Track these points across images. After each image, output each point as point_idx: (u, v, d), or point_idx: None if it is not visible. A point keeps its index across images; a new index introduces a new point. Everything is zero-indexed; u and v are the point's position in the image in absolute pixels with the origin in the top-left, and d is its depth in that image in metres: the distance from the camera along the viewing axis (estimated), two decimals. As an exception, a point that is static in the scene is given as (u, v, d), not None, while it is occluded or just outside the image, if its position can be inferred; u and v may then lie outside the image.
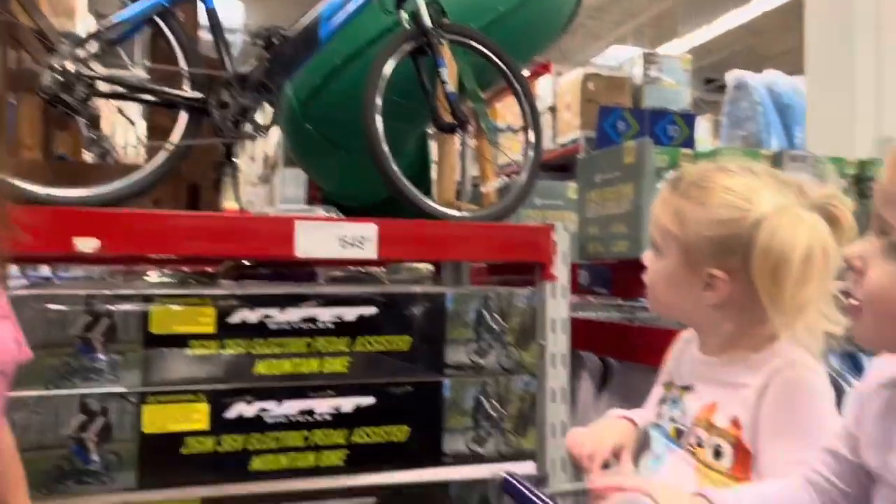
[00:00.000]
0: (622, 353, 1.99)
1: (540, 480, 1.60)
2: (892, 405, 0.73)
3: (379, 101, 1.69)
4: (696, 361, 1.09)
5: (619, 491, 0.88)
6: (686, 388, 1.08)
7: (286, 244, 1.48)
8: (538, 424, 1.64)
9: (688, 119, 4.82)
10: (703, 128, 6.13)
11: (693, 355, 1.10)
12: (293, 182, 4.10)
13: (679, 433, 1.04)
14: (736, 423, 0.97)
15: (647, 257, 1.09)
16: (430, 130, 2.49)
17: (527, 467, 1.61)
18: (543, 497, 0.83)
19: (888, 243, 0.66)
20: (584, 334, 1.98)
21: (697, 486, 0.97)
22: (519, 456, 1.61)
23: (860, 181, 1.85)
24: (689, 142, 4.72)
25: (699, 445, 1.00)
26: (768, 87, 4.19)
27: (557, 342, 1.67)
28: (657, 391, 1.18)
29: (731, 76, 4.33)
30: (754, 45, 11.09)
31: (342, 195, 2.73)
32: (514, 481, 0.88)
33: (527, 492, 0.84)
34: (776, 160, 1.78)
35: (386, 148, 1.68)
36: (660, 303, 1.09)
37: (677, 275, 1.03)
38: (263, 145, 5.92)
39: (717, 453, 0.98)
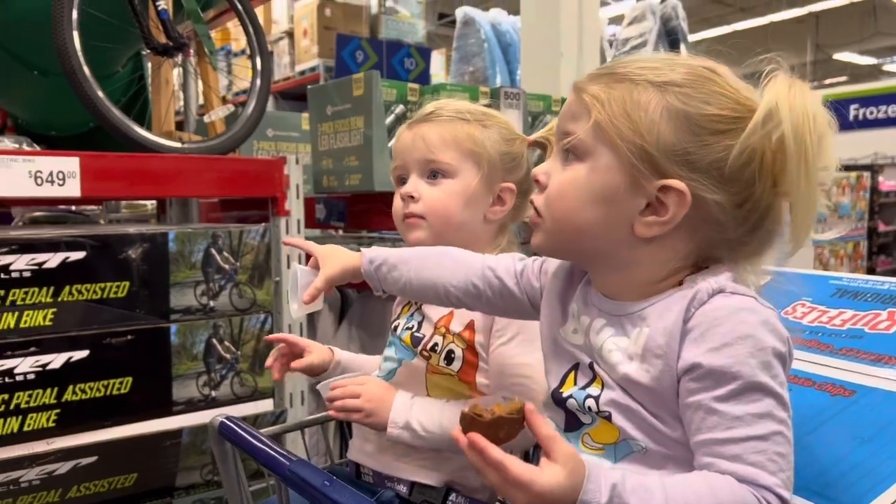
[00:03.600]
0: (359, 284, 2.03)
1: (278, 417, 1.59)
2: (560, 292, 0.85)
3: (74, 15, 1.47)
4: None
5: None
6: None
7: (-40, 182, 1.25)
8: (275, 361, 1.62)
9: (423, 53, 4.96)
10: (437, 62, 6.35)
11: None
12: (-21, 106, 3.47)
13: (415, 341, 1.09)
14: (471, 327, 1.05)
15: (419, 186, 1.10)
16: (146, 52, 2.24)
17: (265, 405, 1.60)
18: (261, 436, 0.82)
19: (562, 151, 0.76)
20: (320, 268, 1.97)
21: (427, 392, 1.05)
22: (256, 395, 1.59)
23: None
24: (424, 75, 4.87)
25: (433, 351, 1.06)
26: (493, 24, 4.43)
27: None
28: (395, 312, 1.22)
29: (461, 12, 4.51)
30: (483, -17, 11.63)
31: (40, 123, 2.37)
32: (231, 423, 0.86)
33: (244, 433, 0.82)
34: (493, 95, 1.90)
35: (87, 70, 1.48)
36: (443, 224, 1.09)
37: (473, 192, 1.10)
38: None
39: (450, 358, 1.05)
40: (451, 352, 1.05)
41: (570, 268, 0.85)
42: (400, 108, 1.79)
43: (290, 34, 5.90)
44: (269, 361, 1.13)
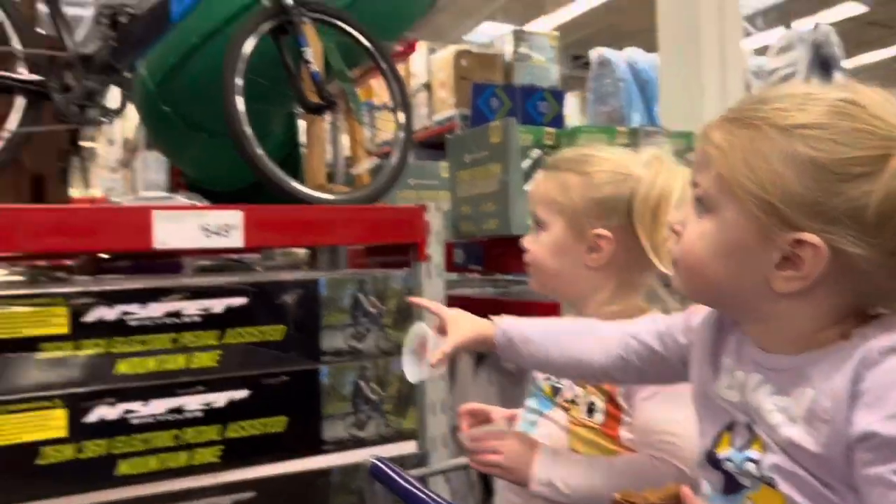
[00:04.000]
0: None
1: (421, 459, 1.62)
2: (709, 345, 0.80)
3: (239, 82, 1.62)
4: None
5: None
6: None
7: (143, 236, 1.40)
8: (418, 404, 1.65)
9: (557, 95, 4.98)
10: (571, 104, 6.35)
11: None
12: (156, 166, 3.88)
13: (555, 391, 1.08)
14: None
15: (528, 239, 1.14)
16: (299, 111, 2.42)
17: (408, 447, 1.62)
18: (411, 479, 0.84)
19: (695, 201, 0.73)
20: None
21: (568, 445, 1.03)
22: (400, 436, 1.62)
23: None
24: (558, 118, 4.88)
25: (574, 403, 1.05)
26: (629, 63, 4.38)
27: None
28: None
29: (595, 53, 4.50)
30: (616, 23, 11.57)
31: (207, 180, 2.61)
32: (382, 465, 0.88)
33: (395, 476, 0.84)
34: (632, 136, 1.87)
35: (249, 130, 1.62)
36: (544, 274, 1.14)
37: (564, 242, 1.10)
38: (123, 128, 5.54)
39: (591, 410, 1.03)
40: (592, 404, 1.03)
41: (718, 318, 0.80)
42: (536, 153, 1.81)
43: (427, 86, 6.13)
44: (462, 426, 1.16)
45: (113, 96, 1.64)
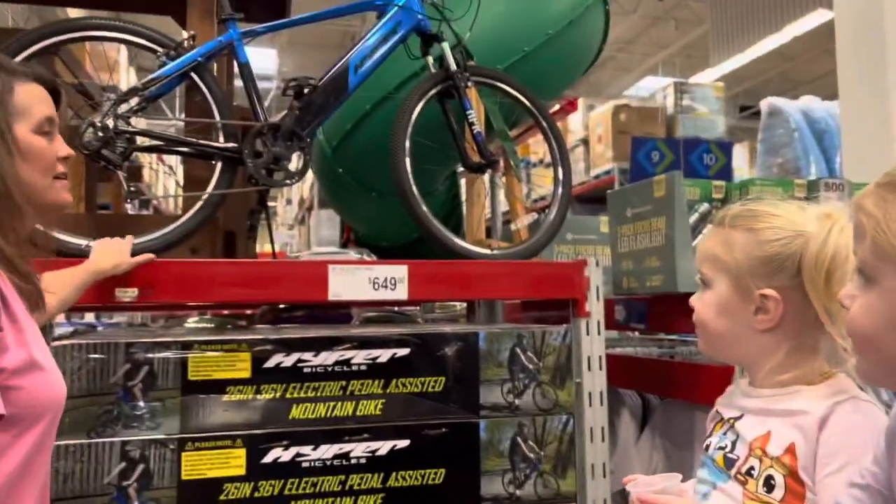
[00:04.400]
0: (662, 390, 1.95)
1: (580, 523, 1.56)
2: None
3: (407, 144, 1.71)
4: (747, 394, 1.07)
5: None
6: (737, 419, 1.06)
7: (320, 288, 1.50)
8: (577, 465, 1.61)
9: (724, 147, 4.79)
10: (740, 156, 6.07)
11: (743, 389, 1.09)
12: (328, 223, 4.16)
13: (728, 462, 1.02)
14: (792, 451, 0.95)
15: (695, 297, 1.10)
16: (459, 169, 2.51)
17: (567, 509, 1.58)
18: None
19: (858, 272, 0.72)
20: (622, 371, 1.94)
21: None
22: (559, 498, 1.58)
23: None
24: (726, 170, 4.68)
25: (749, 475, 0.98)
26: (804, 112, 4.13)
27: (594, 380, 1.64)
28: (707, 428, 1.15)
29: (765, 103, 4.29)
30: (787, 71, 10.98)
31: (375, 236, 2.77)
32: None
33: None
34: (811, 188, 1.75)
35: (416, 189, 1.70)
36: (711, 335, 1.09)
37: (728, 301, 1.04)
38: (299, 189, 6.04)
39: (769, 485, 0.95)
40: (770, 477, 0.95)
41: None
42: (704, 207, 1.74)
43: (584, 141, 6.14)
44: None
45: (295, 159, 1.79)
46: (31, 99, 1.05)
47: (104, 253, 1.39)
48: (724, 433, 1.06)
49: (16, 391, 0.87)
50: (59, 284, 1.28)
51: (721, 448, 1.04)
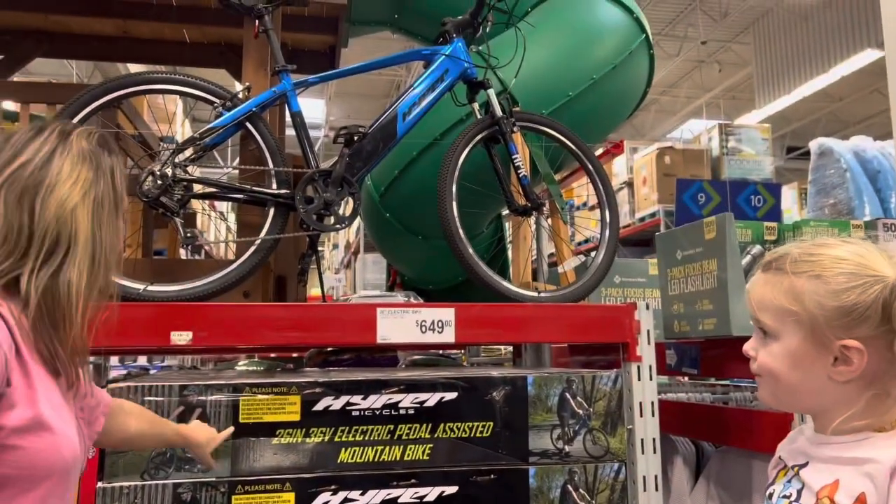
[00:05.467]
0: (717, 437, 1.89)
1: (635, 576, 1.51)
2: None
3: (454, 189, 1.73)
4: (813, 441, 1.02)
5: None
6: (801, 467, 1.02)
7: (369, 331, 1.51)
8: (630, 515, 1.56)
9: (772, 189, 4.71)
10: (788, 197, 5.96)
11: (808, 436, 1.04)
12: (373, 267, 4.21)
13: None
14: (862, 500, 0.90)
15: (752, 346, 1.05)
16: (505, 212, 2.52)
17: (620, 561, 1.53)
18: None
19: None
20: (674, 417, 1.89)
21: None
22: (611, 549, 1.53)
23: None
24: (774, 211, 4.60)
25: None
26: (855, 152, 4.05)
27: (646, 426, 1.61)
28: (770, 476, 1.11)
29: (815, 143, 4.22)
30: (836, 111, 10.81)
31: (421, 279, 2.78)
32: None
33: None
34: (868, 228, 1.70)
35: (462, 233, 1.71)
36: (782, 388, 1.02)
37: (803, 354, 0.98)
38: (345, 234, 6.13)
39: None
40: None
41: None
42: (757, 249, 1.71)
43: (629, 184, 6.12)
44: None
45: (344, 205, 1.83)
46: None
47: (199, 426, 1.31)
48: (789, 481, 1.02)
49: (13, 451, 0.83)
50: (147, 418, 1.24)
51: (786, 497, 1.00)
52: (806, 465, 1.01)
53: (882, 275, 0.95)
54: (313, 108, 10.35)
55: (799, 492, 0.99)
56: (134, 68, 4.47)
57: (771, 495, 1.04)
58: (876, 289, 0.94)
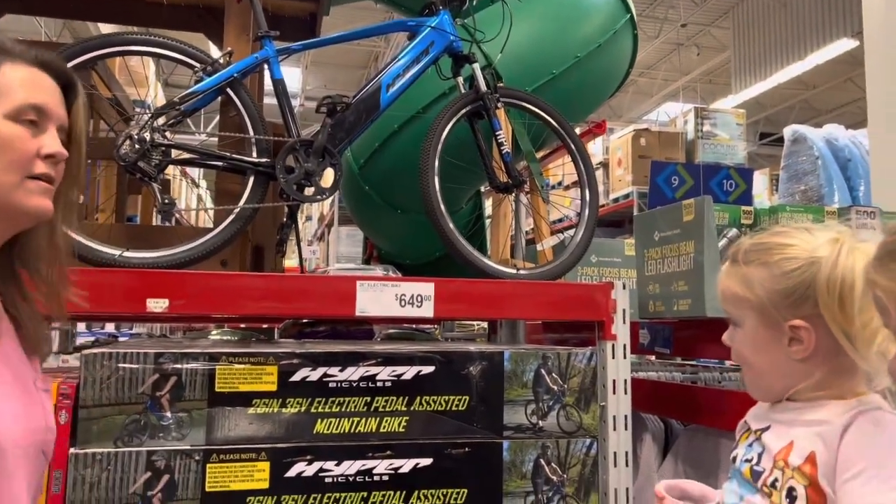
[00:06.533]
0: (686, 415, 1.93)
1: (603, 548, 1.54)
2: None
3: (437, 163, 1.73)
4: (776, 407, 1.07)
5: None
6: (763, 430, 1.06)
7: (348, 304, 1.51)
8: (600, 489, 1.59)
9: (744, 174, 4.77)
10: (759, 182, 6.05)
11: (774, 403, 1.08)
12: (348, 241, 4.19)
13: (755, 475, 1.01)
14: (812, 460, 0.95)
15: (727, 337, 1.11)
16: (484, 189, 2.52)
17: (590, 534, 1.56)
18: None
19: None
20: (645, 395, 1.93)
21: None
22: (582, 523, 1.56)
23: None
24: (746, 196, 4.66)
25: (773, 488, 0.97)
26: (827, 140, 4.12)
27: (619, 404, 1.63)
28: (736, 438, 1.15)
29: (789, 130, 4.28)
30: (809, 99, 10.96)
31: (398, 253, 2.78)
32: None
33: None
34: (842, 215, 1.74)
35: (444, 208, 1.71)
36: (755, 372, 1.08)
37: (761, 337, 1.05)
38: (319, 205, 6.09)
39: (791, 496, 0.95)
40: (791, 489, 0.95)
41: None
42: (733, 232, 1.73)
43: (604, 165, 6.16)
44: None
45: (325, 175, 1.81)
46: (16, 81, 0.88)
47: None
48: (750, 445, 1.06)
49: None
50: None
51: (748, 460, 1.04)
52: (768, 428, 1.05)
53: (817, 256, 1.00)
54: (290, 76, 10.18)
55: (760, 455, 1.03)
56: (105, 28, 4.35)
57: (735, 458, 1.08)
58: (812, 270, 1.00)
